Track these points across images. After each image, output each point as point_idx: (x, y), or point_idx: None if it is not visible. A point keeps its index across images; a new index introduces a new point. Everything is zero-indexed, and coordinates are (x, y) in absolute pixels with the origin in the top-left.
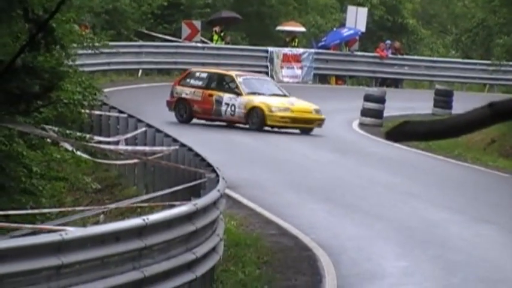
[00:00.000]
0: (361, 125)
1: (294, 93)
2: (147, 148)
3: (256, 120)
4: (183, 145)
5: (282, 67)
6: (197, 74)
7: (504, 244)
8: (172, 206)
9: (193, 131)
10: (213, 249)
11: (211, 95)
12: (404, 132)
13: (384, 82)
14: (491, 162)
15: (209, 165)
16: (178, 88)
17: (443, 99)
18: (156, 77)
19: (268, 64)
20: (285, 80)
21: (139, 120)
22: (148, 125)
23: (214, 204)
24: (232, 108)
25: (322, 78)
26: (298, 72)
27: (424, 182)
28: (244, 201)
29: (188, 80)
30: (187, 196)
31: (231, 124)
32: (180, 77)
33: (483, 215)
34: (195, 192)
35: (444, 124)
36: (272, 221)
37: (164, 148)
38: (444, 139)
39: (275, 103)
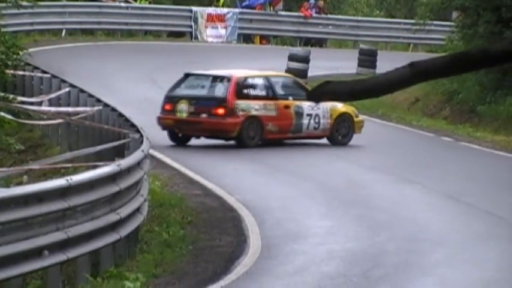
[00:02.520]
0: None
1: (219, 53)
2: (70, 109)
3: (345, 132)
4: (106, 105)
5: (206, 27)
6: (249, 81)
7: (427, 203)
8: (96, 167)
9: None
10: (137, 210)
11: (287, 107)
12: (326, 92)
13: (308, 42)
14: (415, 121)
15: (133, 125)
16: (242, 103)
17: (368, 58)
18: (79, 37)
19: (193, 24)
20: (209, 40)
21: (63, 81)
22: (72, 85)
23: (138, 164)
24: (316, 119)
25: (247, 38)
26: (223, 32)
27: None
28: (168, 161)
29: (246, 91)
30: (111, 157)
31: (308, 138)
32: (232, 89)
33: (407, 175)
34: (119, 152)
35: (366, 84)
36: (196, 181)
37: (88, 108)
38: (366, 99)
39: (351, 106)
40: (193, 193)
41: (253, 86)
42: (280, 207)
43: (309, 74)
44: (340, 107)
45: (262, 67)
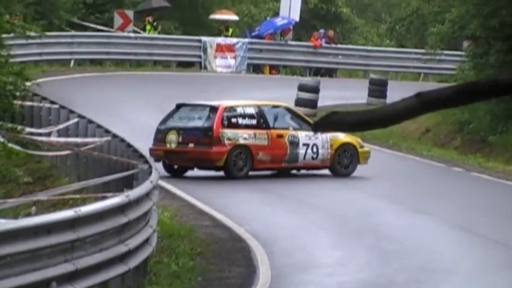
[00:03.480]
0: None
1: (228, 83)
2: (79, 139)
3: (347, 162)
4: (115, 136)
5: (215, 57)
6: (238, 110)
7: (438, 233)
8: (104, 198)
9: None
10: (146, 241)
11: (281, 136)
12: (332, 122)
13: (318, 71)
14: (426, 151)
15: (142, 156)
16: (229, 132)
17: (378, 88)
18: (88, 67)
19: (202, 54)
20: (219, 70)
21: (71, 111)
22: (81, 116)
23: (147, 195)
24: (314, 149)
25: (256, 68)
26: (232, 62)
27: (359, 171)
28: (177, 192)
29: (235, 120)
30: (120, 188)
31: (305, 168)
32: (218, 117)
33: (418, 205)
34: (128, 183)
35: (373, 114)
36: (205, 212)
37: (96, 139)
38: (373, 129)
39: (355, 137)
40: (202, 224)
41: (242, 115)
42: (289, 237)
43: (319, 104)
44: (342, 137)
45: (271, 97)
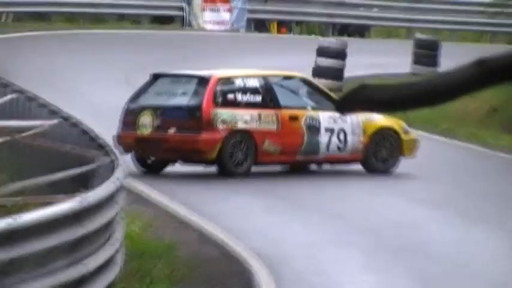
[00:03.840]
0: None
1: (221, 45)
2: (15, 123)
3: (386, 154)
4: (65, 118)
5: (203, 9)
6: (236, 83)
7: (502, 251)
8: (52, 202)
9: None
10: (110, 261)
11: (295, 118)
12: (362, 99)
13: (344, 30)
14: (492, 139)
15: (102, 146)
16: (224, 112)
17: (427, 52)
18: (28, 23)
19: (184, 5)
20: (208, 27)
21: (5, 85)
22: (18, 91)
23: (110, 199)
24: (341, 136)
25: (260, 25)
26: (226, 16)
27: (402, 166)
28: (152, 194)
29: (232, 97)
30: (73, 189)
31: (329, 162)
32: (209, 93)
33: (476, 212)
34: (84, 183)
35: (417, 88)
36: (190, 222)
37: (40, 122)
38: (418, 109)
39: (397, 120)
40: (185, 239)
41: (242, 90)
42: (302, 256)
43: (346, 74)
44: (379, 119)
45: (280, 66)
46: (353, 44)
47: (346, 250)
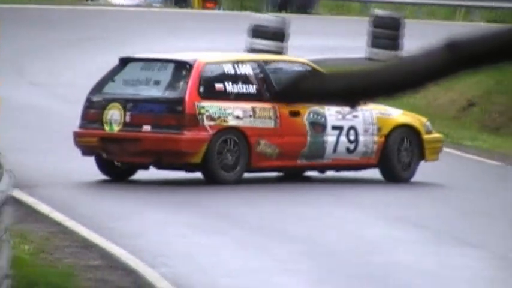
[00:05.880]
0: None
1: (133, 24)
2: None
3: (406, 158)
4: None
5: None
6: (225, 70)
7: (490, 278)
8: None
9: None
10: None
11: (297, 113)
12: (304, 90)
13: (285, 4)
14: (469, 140)
15: None
16: (211, 106)
17: (387, 32)
18: None
19: None
20: (116, 1)
21: None
22: None
23: None
24: (351, 135)
25: None
26: None
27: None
28: (47, 209)
29: (220, 87)
30: None
31: (337, 168)
32: (193, 82)
33: (454, 231)
34: None
35: (372, 77)
36: (93, 243)
37: None
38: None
39: (418, 116)
40: (88, 263)
41: (233, 78)
42: (238, 286)
43: None
44: (397, 115)
45: (205, 47)
46: (296, 22)
47: (293, 279)
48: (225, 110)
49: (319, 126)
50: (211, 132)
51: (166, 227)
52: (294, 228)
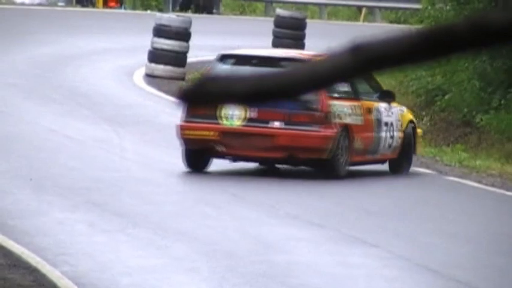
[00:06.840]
0: (149, 77)
1: (31, 23)
2: None
3: (410, 153)
4: None
5: None
6: None
7: (392, 277)
8: None
9: None
10: None
11: (370, 110)
12: (207, 91)
13: (188, 4)
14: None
15: None
16: (336, 104)
17: (290, 33)
18: None
19: None
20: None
21: None
22: None
23: None
24: (391, 131)
25: None
26: None
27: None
28: None
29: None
30: None
31: (373, 163)
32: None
33: (352, 231)
34: None
35: (276, 78)
36: None
37: None
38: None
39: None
40: None
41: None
42: (137, 284)
43: (189, 59)
44: (406, 111)
45: (108, 48)
46: (199, 22)
47: (189, 276)
48: (342, 107)
49: (379, 122)
50: (337, 129)
51: (67, 225)
52: (194, 228)
